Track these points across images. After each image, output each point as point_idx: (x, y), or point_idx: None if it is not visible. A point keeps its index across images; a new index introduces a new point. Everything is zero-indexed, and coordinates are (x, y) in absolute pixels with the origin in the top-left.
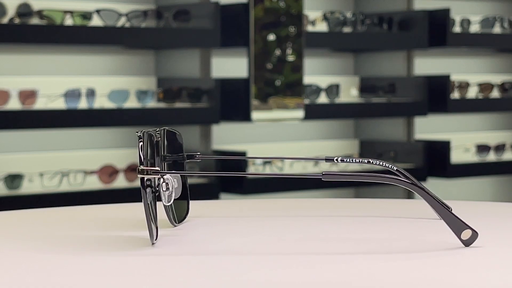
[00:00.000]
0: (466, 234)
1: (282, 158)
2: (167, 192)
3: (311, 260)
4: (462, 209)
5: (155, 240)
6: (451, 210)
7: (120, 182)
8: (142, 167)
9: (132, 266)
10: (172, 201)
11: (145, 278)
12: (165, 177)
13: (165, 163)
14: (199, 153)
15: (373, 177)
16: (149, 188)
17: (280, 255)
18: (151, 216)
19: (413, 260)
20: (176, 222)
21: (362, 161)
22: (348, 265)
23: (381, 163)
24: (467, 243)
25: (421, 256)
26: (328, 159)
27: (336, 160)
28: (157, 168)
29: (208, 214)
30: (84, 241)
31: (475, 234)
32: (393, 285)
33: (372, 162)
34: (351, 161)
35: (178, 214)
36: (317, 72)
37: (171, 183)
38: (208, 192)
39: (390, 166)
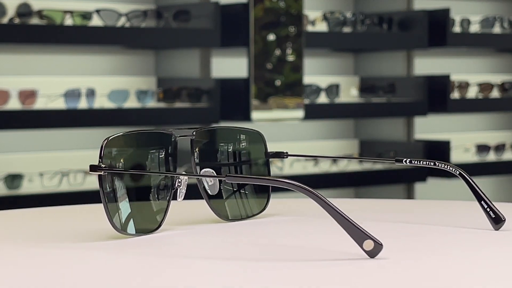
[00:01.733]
0: (369, 245)
1: (355, 159)
2: (179, 189)
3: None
4: (462, 209)
5: (126, 232)
6: (505, 220)
7: None
8: (94, 163)
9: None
10: (182, 198)
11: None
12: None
13: (200, 163)
14: (287, 151)
15: (270, 180)
16: (105, 183)
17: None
18: (107, 209)
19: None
20: (226, 219)
21: (428, 163)
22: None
23: (445, 165)
24: (371, 253)
25: (324, 265)
26: (398, 160)
27: (405, 161)
28: (102, 165)
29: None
30: (82, 238)
31: (378, 245)
32: None
33: (438, 164)
34: (418, 163)
35: (222, 212)
36: (317, 72)
37: (183, 181)
38: None
39: (453, 169)
